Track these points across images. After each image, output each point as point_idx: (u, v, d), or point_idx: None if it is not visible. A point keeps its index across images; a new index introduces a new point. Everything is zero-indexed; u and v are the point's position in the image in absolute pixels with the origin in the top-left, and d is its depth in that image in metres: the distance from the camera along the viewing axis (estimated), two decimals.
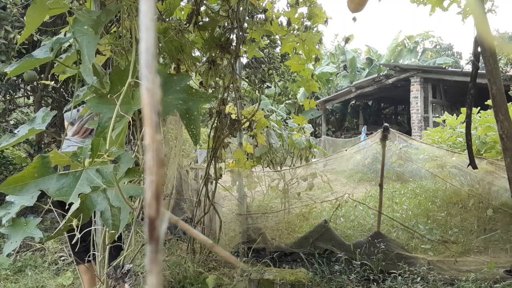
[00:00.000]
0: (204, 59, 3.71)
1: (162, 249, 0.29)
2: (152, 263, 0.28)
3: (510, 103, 3.58)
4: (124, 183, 1.47)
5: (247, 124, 4.40)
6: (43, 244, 4.52)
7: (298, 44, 4.14)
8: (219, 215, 4.24)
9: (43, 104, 6.74)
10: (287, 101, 19.49)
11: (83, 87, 1.84)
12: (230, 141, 4.58)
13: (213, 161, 3.94)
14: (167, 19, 2.82)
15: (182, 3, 3.33)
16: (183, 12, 3.48)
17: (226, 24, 3.65)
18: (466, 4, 3.49)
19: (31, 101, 8.04)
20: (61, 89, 6.82)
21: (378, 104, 22.73)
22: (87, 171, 1.26)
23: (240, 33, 3.65)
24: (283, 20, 4.11)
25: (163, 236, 0.29)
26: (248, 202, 5.19)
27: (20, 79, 6.36)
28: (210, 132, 4.13)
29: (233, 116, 4.14)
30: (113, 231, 1.31)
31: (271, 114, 12.21)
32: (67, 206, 1.24)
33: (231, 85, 3.82)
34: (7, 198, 1.30)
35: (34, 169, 1.23)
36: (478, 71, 3.30)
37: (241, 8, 3.53)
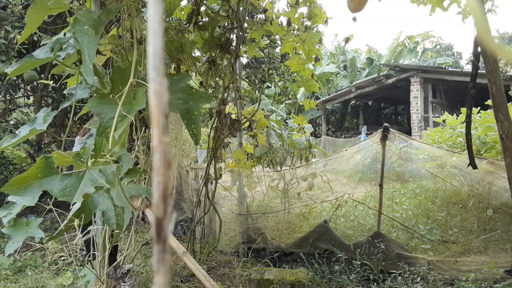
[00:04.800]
0: (204, 59, 3.71)
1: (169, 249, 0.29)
2: (159, 262, 0.29)
3: (510, 103, 3.58)
4: (125, 183, 1.47)
5: (247, 124, 4.40)
6: (43, 244, 4.52)
7: (298, 44, 4.14)
8: (219, 215, 4.24)
9: (43, 104, 6.74)
10: (287, 101, 19.48)
11: (73, 86, 1.84)
12: (230, 141, 4.58)
13: (213, 161, 3.94)
14: (167, 19, 2.82)
15: (182, 3, 3.33)
16: (183, 12, 3.48)
17: (226, 24, 3.65)
18: (466, 4, 3.50)
19: (31, 101, 8.04)
20: (61, 89, 6.81)
21: (378, 104, 22.73)
22: (90, 171, 1.26)
23: (240, 33, 3.65)
24: (283, 20, 4.11)
25: (170, 236, 0.30)
26: (248, 202, 5.19)
27: (20, 79, 6.36)
28: (210, 132, 4.13)
29: (233, 116, 4.14)
30: (117, 231, 1.31)
31: (271, 114, 12.21)
32: (71, 207, 1.24)
33: (231, 85, 3.82)
34: (9, 198, 1.30)
35: (37, 170, 1.23)
36: (478, 71, 3.30)
37: (241, 8, 3.53)
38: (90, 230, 2.19)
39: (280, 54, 10.50)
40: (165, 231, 0.29)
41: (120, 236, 4.45)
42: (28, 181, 1.20)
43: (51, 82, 6.03)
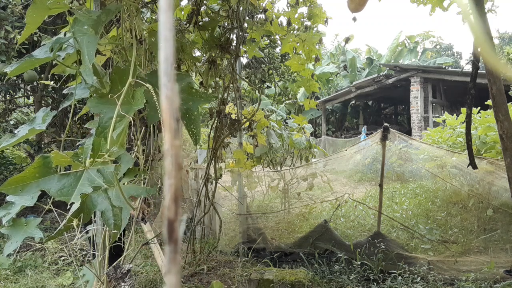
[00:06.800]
0: (204, 59, 3.71)
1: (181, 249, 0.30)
2: (171, 263, 0.29)
3: (510, 103, 3.58)
4: (124, 183, 1.47)
5: (247, 124, 4.39)
6: (43, 244, 4.52)
7: (298, 44, 4.14)
8: (219, 215, 4.24)
9: (43, 104, 6.74)
10: (287, 101, 19.48)
11: (73, 85, 1.84)
12: (230, 141, 4.58)
13: (213, 161, 3.94)
14: None
15: (182, 3, 3.33)
16: (183, 12, 3.47)
17: (226, 24, 3.65)
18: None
19: (31, 101, 8.04)
20: (61, 89, 6.81)
21: (378, 104, 22.73)
22: (88, 171, 1.26)
23: (240, 33, 3.65)
24: (283, 20, 4.11)
25: (181, 237, 0.30)
26: (248, 202, 5.19)
27: (20, 79, 6.36)
28: (210, 132, 4.13)
29: (233, 116, 4.14)
30: (115, 231, 1.31)
31: (271, 114, 12.20)
32: (68, 206, 1.24)
33: (231, 85, 3.82)
34: (8, 198, 1.30)
35: (35, 170, 1.23)
36: (478, 71, 3.30)
37: (241, 8, 3.53)
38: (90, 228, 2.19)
39: (280, 54, 10.50)
40: (177, 232, 0.30)
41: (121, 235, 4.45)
42: (26, 181, 1.20)
43: (51, 82, 6.03)
